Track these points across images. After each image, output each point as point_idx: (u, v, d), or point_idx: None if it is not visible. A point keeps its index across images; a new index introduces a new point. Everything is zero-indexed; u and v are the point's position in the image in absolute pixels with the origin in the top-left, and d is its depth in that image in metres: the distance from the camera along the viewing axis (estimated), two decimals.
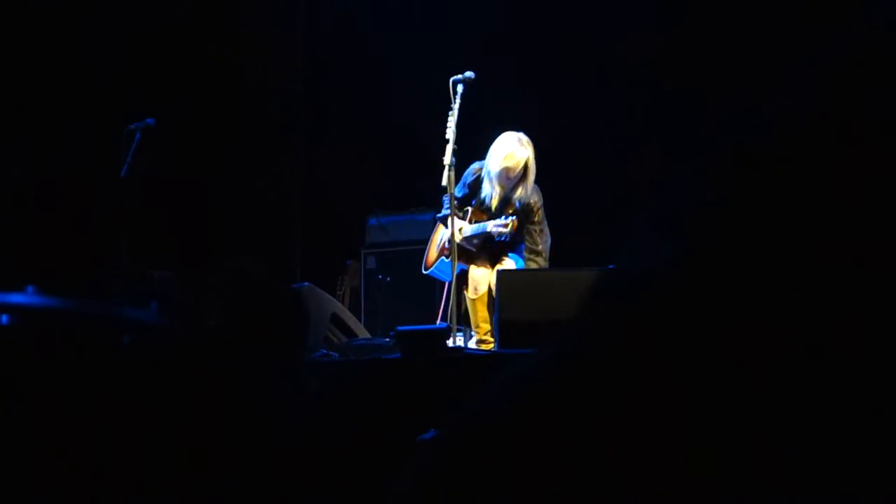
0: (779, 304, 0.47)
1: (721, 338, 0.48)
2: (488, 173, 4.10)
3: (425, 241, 5.39)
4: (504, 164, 4.04)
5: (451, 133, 3.96)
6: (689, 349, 0.48)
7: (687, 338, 0.49)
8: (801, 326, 0.47)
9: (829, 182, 0.47)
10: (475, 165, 4.21)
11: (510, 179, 4.05)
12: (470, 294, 4.09)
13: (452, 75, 4.06)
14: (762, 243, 0.47)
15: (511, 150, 4.03)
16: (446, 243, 3.97)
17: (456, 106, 3.99)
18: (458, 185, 4.09)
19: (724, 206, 0.50)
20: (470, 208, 4.19)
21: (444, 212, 4.03)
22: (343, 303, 4.83)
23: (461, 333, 4.32)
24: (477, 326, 4.07)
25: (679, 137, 4.53)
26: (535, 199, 4.03)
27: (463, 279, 4.16)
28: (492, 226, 3.99)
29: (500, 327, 3.34)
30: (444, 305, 4.05)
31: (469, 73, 4.07)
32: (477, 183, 4.18)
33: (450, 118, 4.01)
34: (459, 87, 4.03)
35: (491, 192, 4.12)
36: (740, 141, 0.51)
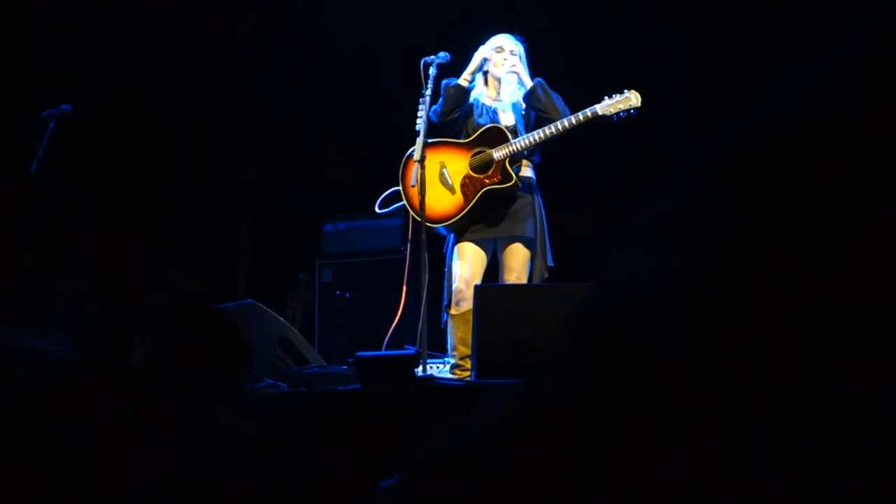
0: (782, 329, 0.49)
1: (720, 376, 0.48)
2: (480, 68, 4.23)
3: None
4: (497, 44, 4.23)
5: (421, 124, 3.98)
6: (683, 392, 0.49)
7: (681, 376, 0.49)
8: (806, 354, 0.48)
9: (823, 188, 0.48)
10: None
11: (509, 59, 4.17)
12: (452, 307, 4.10)
13: (424, 56, 4.09)
14: (760, 262, 0.48)
15: (501, 36, 4.26)
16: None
17: (428, 92, 4.01)
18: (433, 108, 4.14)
19: (716, 219, 0.51)
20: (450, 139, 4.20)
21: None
22: (293, 323, 4.80)
23: (438, 361, 4.32)
24: (454, 349, 4.09)
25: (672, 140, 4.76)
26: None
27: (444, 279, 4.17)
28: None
29: (478, 353, 3.34)
30: (420, 308, 4.04)
31: (443, 55, 4.09)
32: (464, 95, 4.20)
33: (420, 107, 4.03)
34: (432, 71, 4.05)
35: (485, 90, 4.26)
36: (729, 146, 0.53)
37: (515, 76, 4.20)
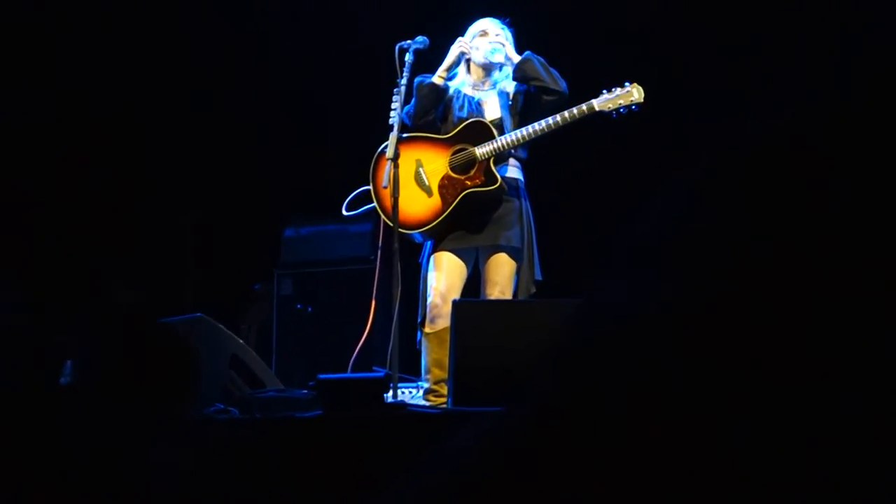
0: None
1: (718, 408, 0.50)
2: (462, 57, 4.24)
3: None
4: (480, 28, 4.25)
5: (395, 117, 3.98)
6: (679, 429, 0.50)
7: (678, 411, 0.50)
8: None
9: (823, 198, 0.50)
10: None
11: (493, 45, 4.18)
12: (427, 325, 4.09)
13: (400, 40, 4.08)
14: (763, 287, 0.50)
15: (485, 20, 4.28)
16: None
17: (403, 81, 4.01)
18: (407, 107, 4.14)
19: (713, 235, 0.51)
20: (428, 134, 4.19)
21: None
22: (248, 341, 4.78)
23: (410, 385, 4.29)
24: (428, 372, 4.08)
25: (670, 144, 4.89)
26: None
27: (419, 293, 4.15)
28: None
29: (455, 377, 3.34)
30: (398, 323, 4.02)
31: (421, 39, 4.09)
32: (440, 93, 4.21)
33: (395, 97, 4.02)
34: (408, 58, 4.05)
35: (468, 77, 4.27)
36: (726, 153, 0.54)
37: (502, 51, 4.19)
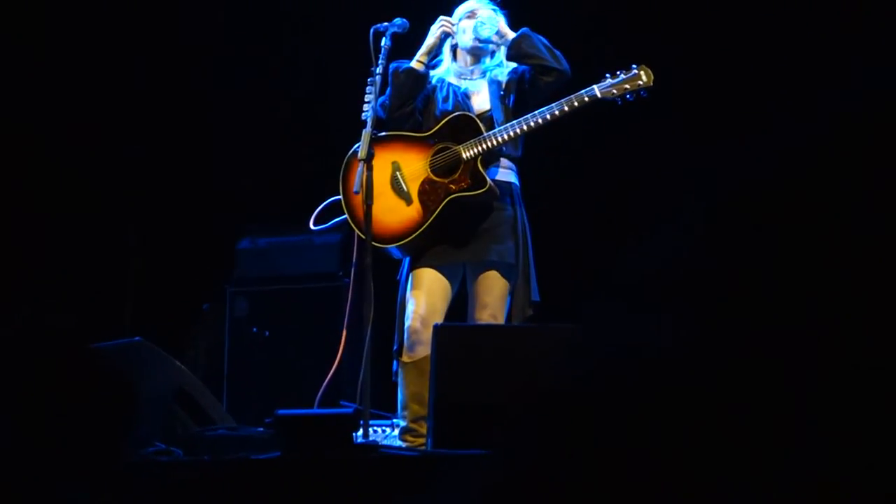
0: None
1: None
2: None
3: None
4: (468, 8, 4.28)
5: (369, 112, 3.98)
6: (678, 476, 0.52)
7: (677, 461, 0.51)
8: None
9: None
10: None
11: (483, 27, 4.21)
12: (404, 353, 4.08)
13: (375, 23, 4.10)
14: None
15: (469, 2, 4.32)
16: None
17: (378, 70, 4.01)
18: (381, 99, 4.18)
19: (712, 271, 0.54)
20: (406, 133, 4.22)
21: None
22: (195, 370, 4.77)
23: (384, 423, 4.28)
24: (406, 407, 4.08)
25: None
26: None
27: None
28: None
29: (437, 413, 3.34)
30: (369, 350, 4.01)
31: (399, 22, 4.10)
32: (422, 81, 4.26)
33: (368, 90, 4.03)
34: (385, 43, 4.06)
35: (453, 65, 4.32)
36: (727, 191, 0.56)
37: (494, 25, 4.20)
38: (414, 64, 4.23)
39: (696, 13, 5.27)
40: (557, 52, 4.14)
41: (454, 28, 4.26)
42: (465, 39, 4.26)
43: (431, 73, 4.32)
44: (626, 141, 5.32)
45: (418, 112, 4.26)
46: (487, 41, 4.24)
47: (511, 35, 4.19)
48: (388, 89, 4.19)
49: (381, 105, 4.16)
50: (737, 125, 4.91)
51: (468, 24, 4.26)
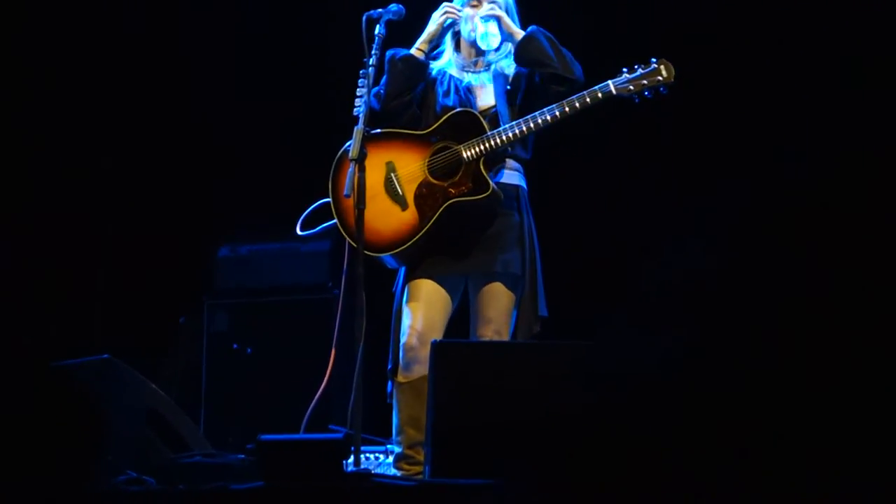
0: None
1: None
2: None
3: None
4: None
5: (361, 107, 3.98)
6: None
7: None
8: None
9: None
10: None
11: (485, 23, 4.20)
12: (400, 373, 4.08)
13: (369, 9, 4.10)
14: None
15: None
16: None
17: (372, 61, 4.02)
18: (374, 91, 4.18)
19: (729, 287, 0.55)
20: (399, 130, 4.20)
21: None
22: (170, 391, 4.77)
23: (378, 449, 4.27)
24: (401, 432, 4.08)
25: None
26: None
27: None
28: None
29: (435, 438, 3.34)
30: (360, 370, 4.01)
31: (395, 8, 4.11)
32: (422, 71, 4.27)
33: (361, 83, 4.03)
34: (379, 31, 4.07)
35: (457, 54, 4.32)
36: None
37: (496, 24, 4.20)
38: (413, 51, 4.24)
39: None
40: (569, 56, 4.14)
41: (460, 14, 4.26)
42: (469, 30, 4.27)
43: (432, 64, 4.33)
44: (644, 141, 5.34)
45: (415, 105, 4.25)
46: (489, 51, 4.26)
47: (518, 34, 4.19)
48: (384, 77, 4.18)
49: (375, 95, 4.14)
50: (766, 136, 5.03)
51: (472, 13, 4.25)
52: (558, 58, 4.11)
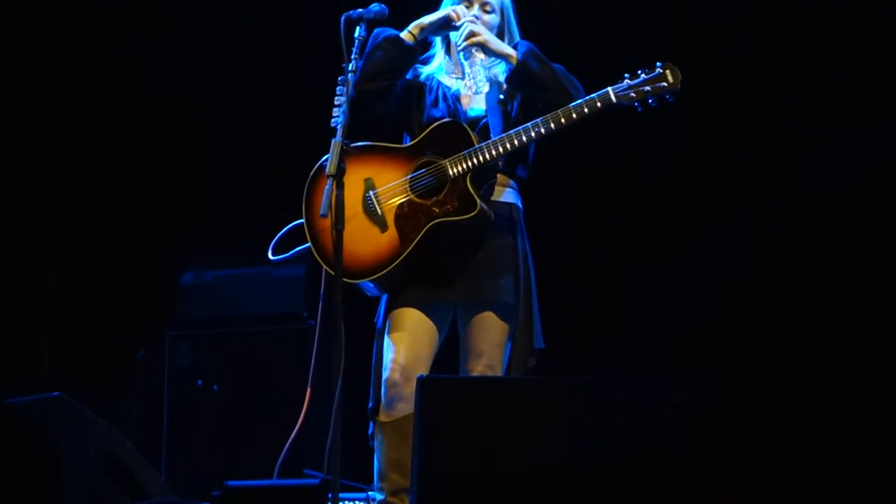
0: None
1: None
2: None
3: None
4: None
5: (340, 116, 3.97)
6: None
7: None
8: None
9: None
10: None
11: (472, 37, 4.19)
12: (382, 412, 4.07)
13: (348, 9, 4.10)
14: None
15: None
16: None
17: (351, 67, 4.01)
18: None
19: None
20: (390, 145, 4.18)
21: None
22: (127, 431, 4.78)
23: (358, 496, 4.27)
24: (383, 478, 4.07)
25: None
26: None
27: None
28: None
29: (421, 484, 3.34)
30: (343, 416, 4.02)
31: (377, 8, 4.10)
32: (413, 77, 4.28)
33: (339, 90, 4.03)
34: (359, 33, 4.05)
35: (448, 63, 4.33)
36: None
37: (479, 58, 4.18)
38: (404, 35, 4.23)
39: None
40: (563, 78, 4.15)
41: (463, 19, 4.24)
42: (457, 40, 4.26)
43: (421, 69, 4.33)
44: (653, 157, 5.38)
45: (393, 98, 4.25)
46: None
47: (509, 55, 4.19)
48: (364, 55, 4.12)
49: (352, 74, 4.08)
50: (772, 166, 5.19)
51: (463, 14, 4.24)
52: (552, 82, 4.12)
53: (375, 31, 4.16)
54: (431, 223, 4.08)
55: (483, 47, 4.20)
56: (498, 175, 4.20)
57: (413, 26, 4.26)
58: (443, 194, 4.10)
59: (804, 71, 5.23)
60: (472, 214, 4.07)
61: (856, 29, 5.14)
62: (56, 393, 3.81)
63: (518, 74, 4.16)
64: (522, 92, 4.20)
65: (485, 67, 4.21)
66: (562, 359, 4.21)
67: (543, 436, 3.19)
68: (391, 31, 4.21)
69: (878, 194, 4.76)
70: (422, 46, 4.31)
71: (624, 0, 5.53)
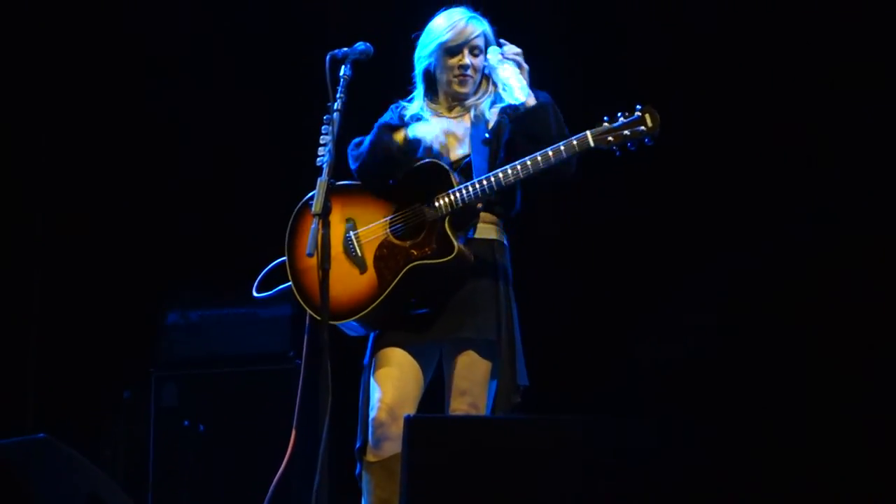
0: None
1: None
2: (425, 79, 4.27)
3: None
4: (455, 42, 4.21)
5: (326, 156, 3.97)
6: None
7: None
8: None
9: None
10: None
11: (466, 75, 4.19)
12: (369, 452, 4.06)
13: (332, 48, 4.10)
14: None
15: (455, 21, 4.24)
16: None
17: (337, 106, 4.00)
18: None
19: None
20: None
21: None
22: (113, 473, 4.76)
23: None
24: None
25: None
26: None
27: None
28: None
29: None
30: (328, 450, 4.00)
31: (362, 47, 4.09)
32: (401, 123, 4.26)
33: (325, 129, 4.02)
34: (344, 72, 4.06)
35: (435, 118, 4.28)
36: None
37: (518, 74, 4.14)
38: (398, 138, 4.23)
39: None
40: (562, 129, 4.11)
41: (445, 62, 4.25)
42: (448, 83, 4.26)
43: (405, 108, 4.29)
44: (640, 194, 5.40)
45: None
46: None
47: (524, 98, 4.12)
48: (367, 143, 4.18)
49: (353, 156, 4.13)
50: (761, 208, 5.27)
51: (455, 64, 4.23)
52: (556, 132, 4.08)
53: (382, 119, 4.26)
54: (409, 266, 4.06)
55: (520, 65, 4.17)
56: (482, 213, 4.18)
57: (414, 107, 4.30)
58: (421, 236, 4.08)
59: (794, 107, 5.25)
60: (450, 258, 4.05)
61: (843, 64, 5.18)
62: (41, 434, 3.79)
63: (531, 115, 4.11)
64: (526, 136, 4.13)
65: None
66: (548, 395, 4.19)
67: (529, 476, 3.18)
68: (395, 120, 4.25)
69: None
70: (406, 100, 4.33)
71: (608, 36, 5.57)
